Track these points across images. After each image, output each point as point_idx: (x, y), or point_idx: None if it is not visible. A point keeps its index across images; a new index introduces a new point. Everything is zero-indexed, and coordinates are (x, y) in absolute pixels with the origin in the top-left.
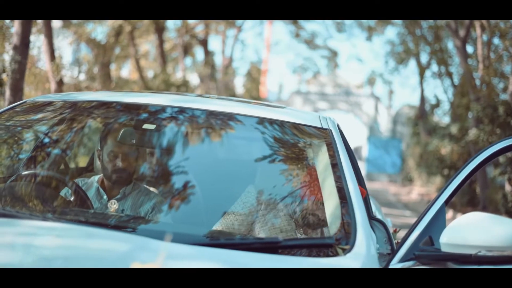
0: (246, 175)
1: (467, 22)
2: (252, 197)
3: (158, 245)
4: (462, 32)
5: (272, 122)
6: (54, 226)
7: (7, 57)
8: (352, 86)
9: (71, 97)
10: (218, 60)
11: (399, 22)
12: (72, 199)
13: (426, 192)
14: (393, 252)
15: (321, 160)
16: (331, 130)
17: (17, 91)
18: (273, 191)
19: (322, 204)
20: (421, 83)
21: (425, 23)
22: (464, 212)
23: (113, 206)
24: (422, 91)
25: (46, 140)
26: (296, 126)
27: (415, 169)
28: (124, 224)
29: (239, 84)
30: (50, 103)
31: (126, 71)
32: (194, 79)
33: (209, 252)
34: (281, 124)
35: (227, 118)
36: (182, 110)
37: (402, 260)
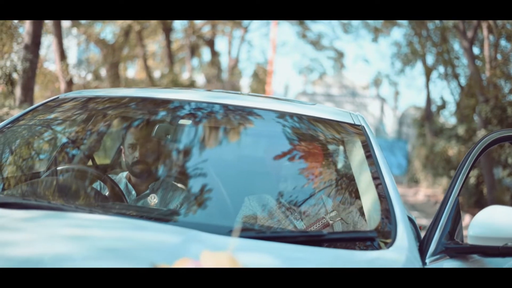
0: (279, 170)
1: (474, 23)
2: (252, 208)
3: (208, 237)
4: (469, 33)
5: (305, 118)
6: (103, 218)
7: (14, 56)
8: (358, 87)
9: (102, 93)
10: (224, 61)
11: (405, 23)
12: (107, 193)
13: (432, 193)
14: (423, 248)
15: (356, 156)
16: (363, 127)
17: (27, 90)
18: (306, 186)
19: (359, 198)
20: (427, 84)
21: (431, 24)
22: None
23: (153, 200)
24: (428, 92)
25: (75, 136)
26: (329, 122)
27: (421, 171)
28: (170, 217)
29: (245, 84)
30: (81, 99)
31: (132, 71)
32: (200, 79)
33: (256, 244)
34: (315, 120)
35: (261, 114)
36: (216, 105)
37: (434, 254)
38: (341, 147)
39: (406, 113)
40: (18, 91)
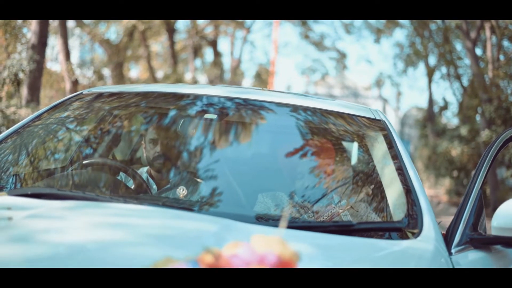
0: (300, 164)
1: (478, 23)
2: (267, 205)
3: (242, 226)
4: (472, 34)
5: (327, 113)
6: (138, 208)
7: (17, 56)
8: (360, 88)
9: (125, 88)
10: (227, 61)
11: (407, 24)
12: (132, 187)
13: (435, 194)
14: (448, 238)
15: (378, 150)
16: (384, 121)
17: (34, 90)
18: (323, 184)
19: (381, 194)
20: (429, 85)
21: (433, 25)
22: None
23: (182, 192)
24: (431, 93)
25: (98, 131)
26: (350, 117)
27: (423, 171)
28: (203, 207)
29: (247, 85)
30: (105, 95)
31: (135, 72)
32: (203, 80)
33: (290, 233)
34: (337, 115)
35: (281, 109)
36: (239, 100)
37: (459, 244)
38: (363, 142)
39: (408, 114)
40: (24, 90)
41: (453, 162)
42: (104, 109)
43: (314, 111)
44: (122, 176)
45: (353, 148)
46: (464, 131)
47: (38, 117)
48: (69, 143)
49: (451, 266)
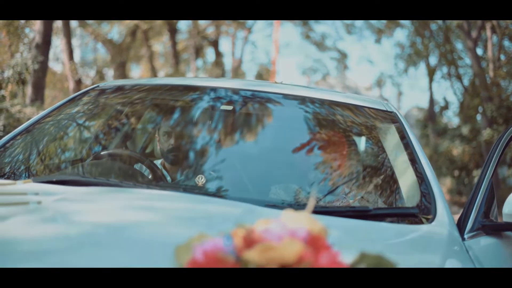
0: (314, 156)
1: (479, 23)
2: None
3: (264, 210)
4: (473, 34)
5: (339, 105)
6: (162, 193)
7: (20, 56)
8: (361, 88)
9: (140, 81)
10: (228, 61)
11: (408, 24)
12: (150, 176)
13: None
14: (461, 225)
15: (391, 141)
16: (396, 113)
17: (38, 89)
18: (336, 175)
19: (394, 182)
20: (430, 84)
21: (434, 25)
22: None
23: (201, 180)
24: (431, 93)
25: (113, 124)
26: (363, 109)
27: None
28: (224, 194)
29: None
30: (121, 88)
31: (137, 72)
32: None
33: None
34: (348, 107)
35: (297, 101)
36: (252, 92)
37: (471, 231)
38: (376, 134)
39: (409, 113)
40: (28, 89)
41: (454, 162)
42: (118, 102)
43: (328, 103)
44: (137, 167)
45: (365, 140)
46: (465, 130)
47: (54, 111)
48: (85, 136)
49: (464, 251)
